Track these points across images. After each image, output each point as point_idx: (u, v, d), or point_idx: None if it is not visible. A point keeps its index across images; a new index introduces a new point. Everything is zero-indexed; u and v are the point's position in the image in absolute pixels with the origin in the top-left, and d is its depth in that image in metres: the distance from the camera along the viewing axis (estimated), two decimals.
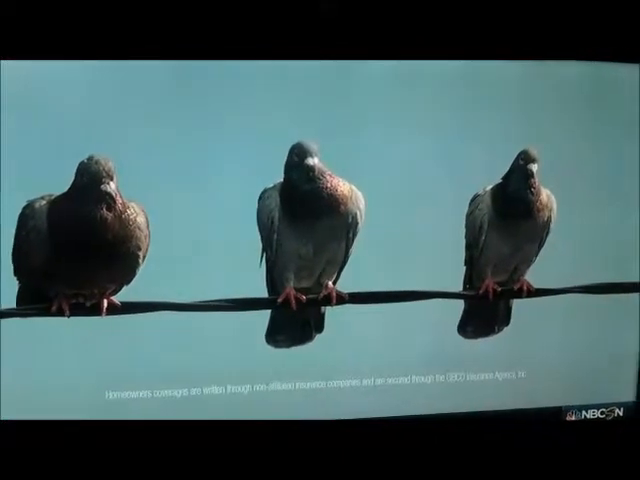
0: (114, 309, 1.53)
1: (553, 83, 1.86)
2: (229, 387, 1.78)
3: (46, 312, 1.51)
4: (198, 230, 1.72)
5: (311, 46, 1.66)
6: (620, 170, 1.90)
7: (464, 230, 1.74)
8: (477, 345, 1.83)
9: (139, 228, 1.50)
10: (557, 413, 1.93)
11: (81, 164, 1.45)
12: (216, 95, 1.73)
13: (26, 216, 1.50)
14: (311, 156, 1.55)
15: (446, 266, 1.79)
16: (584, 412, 1.93)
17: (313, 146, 1.56)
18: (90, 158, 1.45)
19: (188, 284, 1.67)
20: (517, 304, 1.80)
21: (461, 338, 1.82)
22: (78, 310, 1.52)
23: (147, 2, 1.61)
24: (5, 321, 1.51)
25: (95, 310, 1.52)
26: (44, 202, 1.49)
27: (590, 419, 1.93)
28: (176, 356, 1.73)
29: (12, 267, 1.53)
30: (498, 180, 1.71)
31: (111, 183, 1.43)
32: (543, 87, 1.86)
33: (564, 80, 1.87)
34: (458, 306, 1.80)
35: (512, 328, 1.82)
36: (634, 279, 1.79)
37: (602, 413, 1.94)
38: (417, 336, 1.84)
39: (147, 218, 1.52)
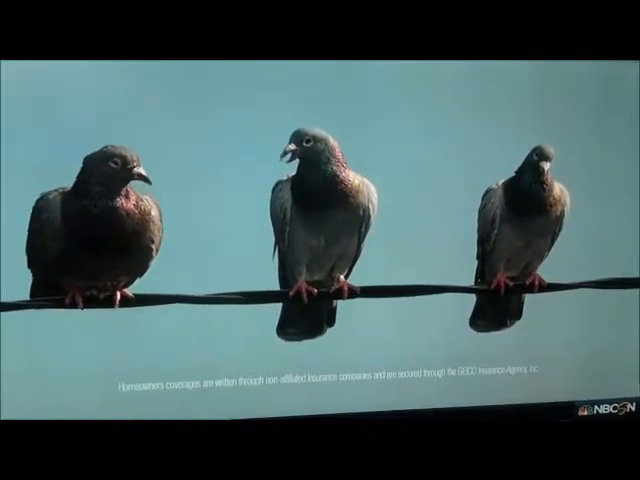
0: (127, 301, 1.52)
1: (564, 81, 1.87)
2: (241, 380, 1.79)
3: (60, 304, 1.51)
4: (211, 224, 1.74)
5: (312, 46, 1.64)
6: (631, 166, 1.90)
7: (476, 224, 1.74)
8: (489, 339, 1.83)
9: (153, 221, 1.49)
10: (569, 408, 1.93)
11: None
12: (231, 91, 1.74)
13: (40, 209, 1.49)
14: (289, 142, 1.54)
15: (458, 260, 1.79)
16: (596, 407, 1.93)
17: (299, 132, 1.55)
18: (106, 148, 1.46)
19: (201, 277, 1.68)
20: (529, 298, 1.79)
21: (473, 332, 1.81)
22: (91, 302, 1.52)
23: (148, 2, 1.60)
24: (19, 313, 1.51)
25: (108, 302, 1.52)
26: (57, 194, 1.49)
27: (602, 414, 1.93)
28: (188, 349, 1.75)
29: (26, 260, 1.52)
30: (510, 174, 1.71)
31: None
32: (554, 85, 1.86)
33: (575, 78, 1.87)
34: (470, 300, 1.79)
35: (524, 322, 1.82)
36: None
37: (614, 408, 1.93)
38: (429, 330, 1.85)
39: (160, 211, 1.51)
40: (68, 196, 1.48)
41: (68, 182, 1.46)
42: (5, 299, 1.51)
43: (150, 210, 1.49)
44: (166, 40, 1.60)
